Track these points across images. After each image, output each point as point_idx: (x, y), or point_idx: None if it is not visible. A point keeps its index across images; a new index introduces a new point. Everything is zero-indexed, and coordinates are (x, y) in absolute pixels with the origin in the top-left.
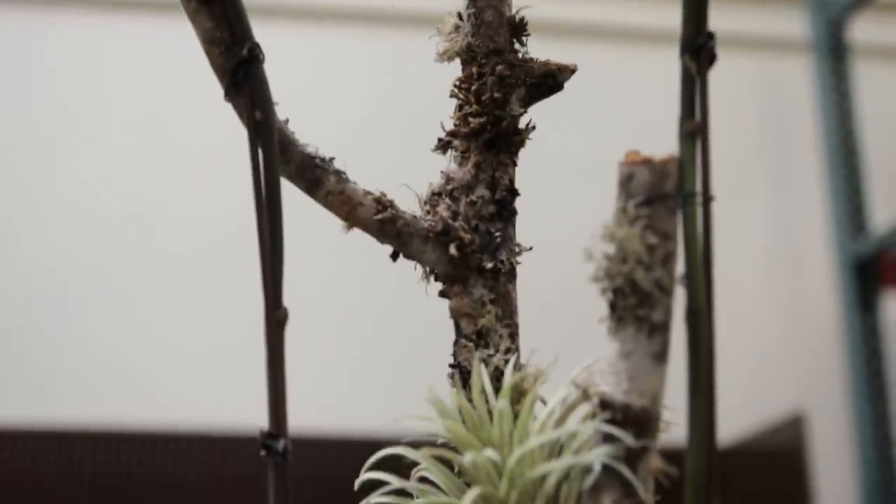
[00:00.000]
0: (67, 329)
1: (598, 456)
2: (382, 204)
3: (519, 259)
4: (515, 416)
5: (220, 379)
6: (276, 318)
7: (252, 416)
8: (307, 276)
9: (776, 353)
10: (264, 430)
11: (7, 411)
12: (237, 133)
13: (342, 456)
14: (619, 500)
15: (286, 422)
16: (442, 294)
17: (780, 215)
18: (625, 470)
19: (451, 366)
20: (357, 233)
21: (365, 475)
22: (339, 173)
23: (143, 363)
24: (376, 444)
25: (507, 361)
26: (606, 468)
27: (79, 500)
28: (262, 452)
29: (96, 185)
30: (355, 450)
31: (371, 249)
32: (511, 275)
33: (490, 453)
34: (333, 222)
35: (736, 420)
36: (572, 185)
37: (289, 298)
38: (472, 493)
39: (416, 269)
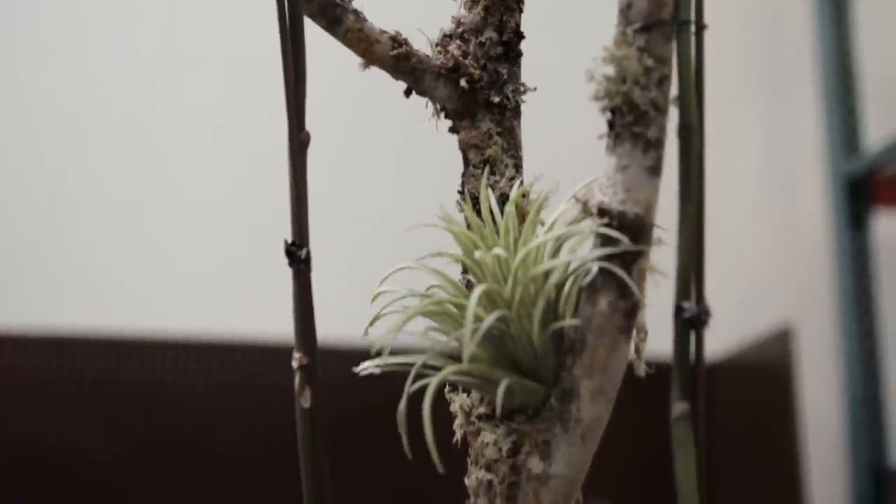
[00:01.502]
0: (69, 236)
1: (595, 256)
2: (398, 41)
3: (524, 98)
4: (520, 231)
5: (221, 288)
6: (299, 140)
7: (251, 326)
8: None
9: (766, 269)
10: (288, 240)
11: (8, 317)
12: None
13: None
14: (614, 301)
15: (308, 235)
16: (451, 130)
17: (773, 133)
18: (620, 271)
19: (459, 192)
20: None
21: (381, 288)
22: (357, 13)
23: (144, 270)
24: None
25: (511, 187)
26: (603, 270)
27: (78, 406)
28: (287, 261)
29: (97, 92)
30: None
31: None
32: (516, 112)
33: (497, 251)
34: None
35: (725, 335)
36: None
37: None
38: (478, 290)
39: (427, 106)
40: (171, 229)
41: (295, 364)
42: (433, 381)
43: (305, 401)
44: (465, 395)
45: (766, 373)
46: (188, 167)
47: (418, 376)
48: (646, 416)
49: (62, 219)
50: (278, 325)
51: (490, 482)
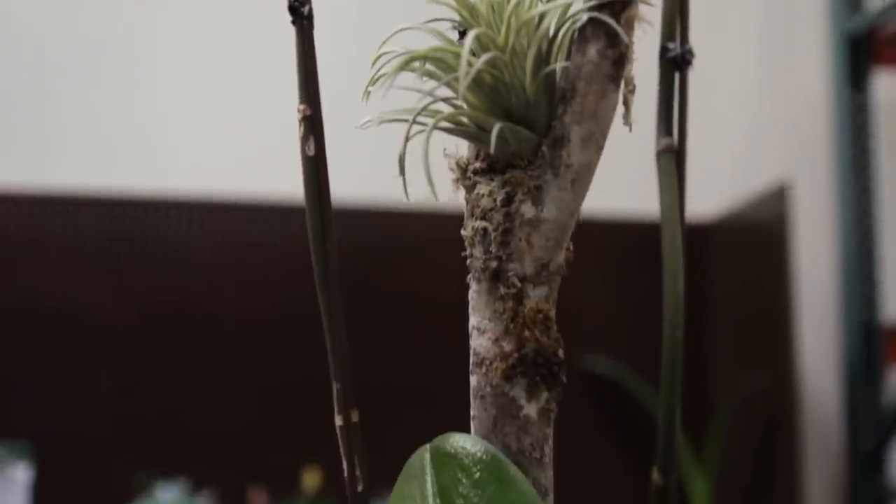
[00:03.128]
0: (74, 95)
1: (586, 6)
2: None
3: None
4: None
5: (225, 148)
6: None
7: (255, 186)
8: None
9: (765, 126)
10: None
11: (14, 176)
12: None
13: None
14: (603, 49)
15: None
16: None
17: None
18: (609, 19)
19: None
20: None
21: (382, 49)
22: None
23: (149, 130)
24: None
25: None
26: (592, 20)
27: (83, 266)
28: (290, 19)
29: None
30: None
31: None
32: None
33: None
34: None
35: (722, 193)
36: None
37: None
38: (472, 35)
39: None
40: (176, 89)
41: (299, 115)
42: (430, 125)
43: (309, 150)
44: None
45: (761, 231)
46: (194, 26)
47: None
48: (643, 275)
49: (67, 77)
50: (282, 186)
51: (485, 230)
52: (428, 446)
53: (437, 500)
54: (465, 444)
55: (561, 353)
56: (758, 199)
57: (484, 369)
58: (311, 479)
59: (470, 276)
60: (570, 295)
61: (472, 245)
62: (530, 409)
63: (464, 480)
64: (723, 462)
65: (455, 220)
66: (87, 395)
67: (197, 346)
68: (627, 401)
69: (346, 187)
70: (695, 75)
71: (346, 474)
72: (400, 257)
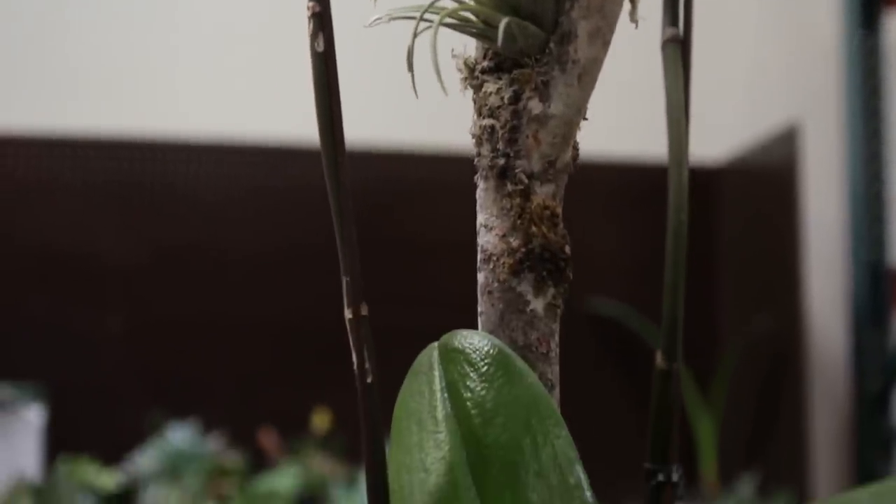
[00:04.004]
0: (83, 37)
1: None
2: None
3: None
4: None
5: (235, 90)
6: None
7: (265, 128)
8: None
9: (774, 68)
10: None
11: (22, 119)
12: None
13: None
14: None
15: None
16: None
17: None
18: None
19: None
20: None
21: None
22: None
23: (158, 72)
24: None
25: None
26: None
27: (92, 209)
28: None
29: None
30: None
31: None
32: None
33: None
34: None
35: (731, 137)
36: None
37: None
38: None
39: None
40: (186, 31)
41: (308, 11)
42: (437, 20)
43: (319, 45)
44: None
45: (770, 174)
46: None
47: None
48: (650, 218)
49: (76, 19)
50: (293, 128)
51: (492, 128)
52: (436, 343)
53: (445, 395)
54: (473, 339)
55: (568, 249)
56: (767, 142)
57: (491, 265)
58: (320, 421)
59: (477, 175)
60: (578, 238)
61: (480, 144)
62: (537, 305)
63: (471, 375)
64: (728, 404)
65: (456, 162)
66: (98, 338)
67: (207, 288)
68: (633, 342)
69: (347, 131)
70: (702, 15)
71: (355, 367)
72: (401, 200)
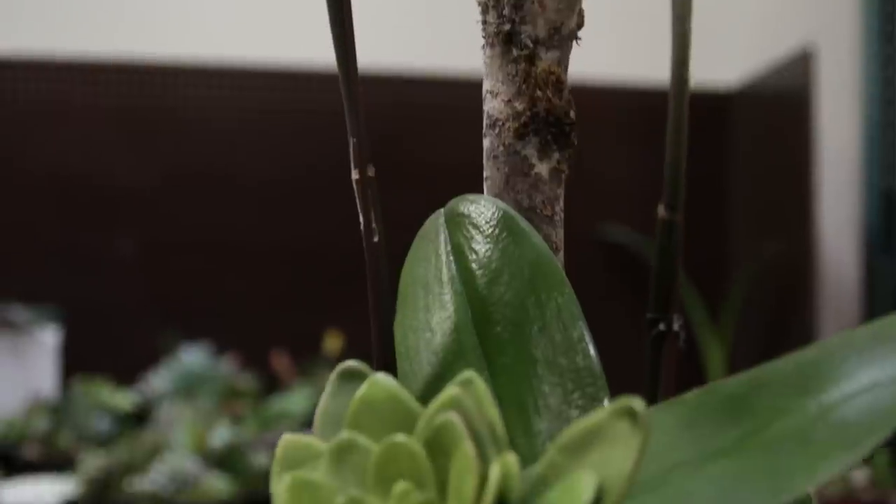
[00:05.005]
0: None
1: None
2: None
3: None
4: None
5: (247, 14)
6: None
7: (277, 52)
8: None
9: None
10: None
11: (35, 43)
12: None
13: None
14: None
15: None
16: None
17: None
18: None
19: None
20: None
21: None
22: None
23: None
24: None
25: None
26: None
27: (105, 133)
28: None
29: None
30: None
31: None
32: None
33: None
34: None
35: (745, 61)
36: None
37: None
38: None
39: None
40: None
41: None
42: None
43: None
44: None
45: (784, 98)
46: None
47: None
48: (663, 144)
49: None
50: (305, 52)
51: None
52: (442, 210)
53: (451, 258)
54: (478, 202)
55: (573, 114)
56: (781, 66)
57: (497, 130)
58: (331, 343)
59: (483, 43)
60: (589, 164)
61: (486, 11)
62: (542, 168)
63: (476, 236)
64: (739, 329)
65: (464, 87)
66: (112, 261)
67: (220, 212)
68: (644, 269)
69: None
70: None
71: (362, 226)
72: (410, 126)
